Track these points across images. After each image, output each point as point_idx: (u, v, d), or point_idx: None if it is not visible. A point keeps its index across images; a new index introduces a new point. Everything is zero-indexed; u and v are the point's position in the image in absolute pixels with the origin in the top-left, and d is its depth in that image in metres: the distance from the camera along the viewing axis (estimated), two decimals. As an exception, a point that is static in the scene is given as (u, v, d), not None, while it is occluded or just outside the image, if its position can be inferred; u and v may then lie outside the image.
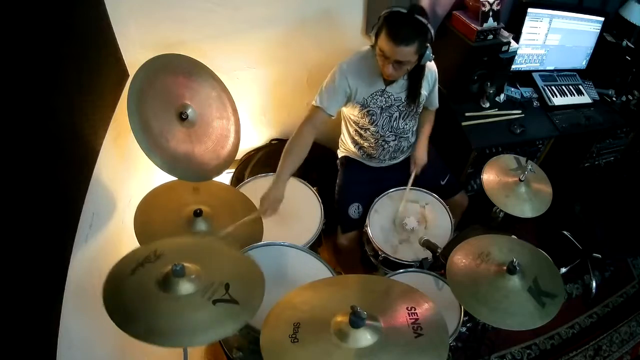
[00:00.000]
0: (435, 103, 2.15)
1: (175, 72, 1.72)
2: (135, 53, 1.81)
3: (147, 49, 1.76)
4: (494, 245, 1.52)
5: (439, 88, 2.10)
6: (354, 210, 2.08)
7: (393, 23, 1.67)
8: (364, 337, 1.12)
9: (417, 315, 1.20)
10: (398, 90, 1.93)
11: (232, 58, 2.22)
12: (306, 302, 1.28)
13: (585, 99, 2.61)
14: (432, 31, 1.71)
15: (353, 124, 2.09)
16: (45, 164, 1.17)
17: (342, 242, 2.11)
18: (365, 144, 2.11)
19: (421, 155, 2.16)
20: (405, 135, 2.09)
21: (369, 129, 2.04)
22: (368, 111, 1.97)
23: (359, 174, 2.19)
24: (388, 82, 1.90)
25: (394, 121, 2.01)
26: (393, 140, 2.08)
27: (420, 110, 2.07)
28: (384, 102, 1.94)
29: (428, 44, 1.73)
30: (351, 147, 2.18)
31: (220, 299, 1.16)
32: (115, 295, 1.12)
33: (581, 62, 2.71)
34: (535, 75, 2.62)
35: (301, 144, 1.83)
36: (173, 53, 1.71)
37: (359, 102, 1.93)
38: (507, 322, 1.33)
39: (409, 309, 1.22)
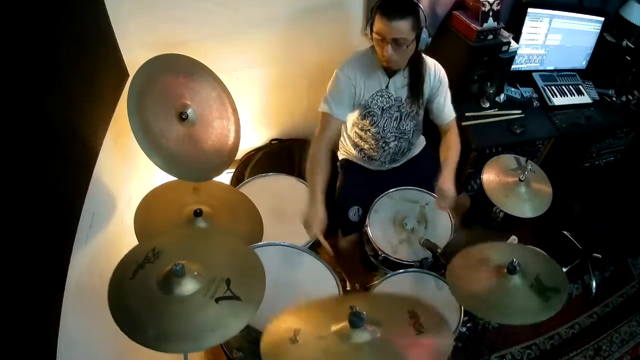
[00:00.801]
0: (450, 113, 2.02)
1: (175, 72, 1.72)
2: (135, 53, 1.81)
3: (147, 49, 1.76)
4: (494, 245, 1.52)
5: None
6: (353, 213, 2.08)
7: (385, 4, 1.70)
8: (363, 337, 1.12)
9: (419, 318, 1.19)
10: (399, 86, 1.93)
11: (232, 58, 2.22)
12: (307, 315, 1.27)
13: (585, 99, 2.61)
14: (423, 11, 1.73)
15: (353, 126, 2.09)
16: (46, 164, 1.17)
17: (343, 245, 2.11)
18: (366, 146, 2.11)
19: (447, 186, 1.81)
20: (405, 137, 2.09)
21: (369, 130, 2.04)
22: (369, 112, 1.97)
23: (359, 177, 2.19)
24: (390, 73, 1.89)
25: (394, 121, 2.01)
26: (393, 141, 2.08)
27: (421, 112, 2.06)
28: (384, 103, 1.94)
29: (423, 27, 1.73)
30: (351, 149, 2.18)
31: (222, 297, 1.16)
32: (120, 303, 1.12)
33: (581, 62, 2.71)
34: (535, 75, 2.62)
35: (322, 161, 1.80)
36: (173, 53, 1.71)
37: (361, 103, 1.93)
38: (508, 317, 1.33)
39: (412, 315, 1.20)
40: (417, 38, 1.75)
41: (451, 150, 1.95)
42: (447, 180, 1.83)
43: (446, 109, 2.02)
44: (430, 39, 1.79)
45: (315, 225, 1.67)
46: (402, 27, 1.68)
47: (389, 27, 1.68)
